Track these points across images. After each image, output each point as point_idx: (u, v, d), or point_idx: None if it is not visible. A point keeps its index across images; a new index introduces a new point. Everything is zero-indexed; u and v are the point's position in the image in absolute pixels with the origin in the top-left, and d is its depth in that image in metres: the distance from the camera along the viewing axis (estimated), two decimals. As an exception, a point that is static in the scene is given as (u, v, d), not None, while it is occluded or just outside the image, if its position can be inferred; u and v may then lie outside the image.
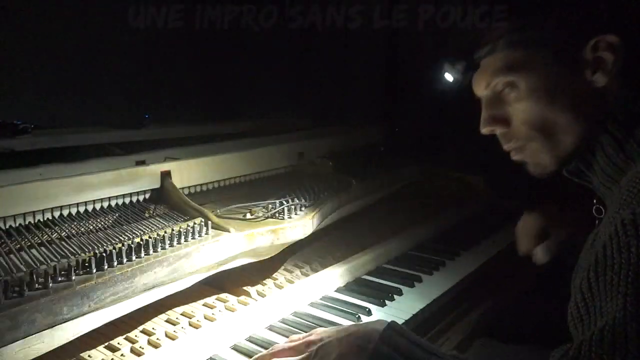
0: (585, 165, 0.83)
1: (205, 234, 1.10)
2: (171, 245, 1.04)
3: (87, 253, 0.95)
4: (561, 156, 0.83)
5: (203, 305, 1.15)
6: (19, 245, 0.99)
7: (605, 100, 0.78)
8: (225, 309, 1.13)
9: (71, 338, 0.87)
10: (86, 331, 0.89)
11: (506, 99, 0.87)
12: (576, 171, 0.85)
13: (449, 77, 0.97)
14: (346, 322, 1.12)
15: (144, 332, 1.03)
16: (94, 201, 1.20)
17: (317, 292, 1.27)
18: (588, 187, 0.88)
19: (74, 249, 0.98)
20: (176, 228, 1.08)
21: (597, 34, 0.76)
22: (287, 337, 1.02)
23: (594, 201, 0.92)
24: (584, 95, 0.79)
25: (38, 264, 0.90)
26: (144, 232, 1.09)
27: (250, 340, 1.07)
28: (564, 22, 0.80)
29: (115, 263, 0.94)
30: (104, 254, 0.93)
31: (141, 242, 0.99)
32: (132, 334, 1.02)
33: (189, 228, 1.09)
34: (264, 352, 0.94)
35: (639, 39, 0.77)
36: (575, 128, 0.80)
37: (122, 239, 1.03)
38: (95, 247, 0.99)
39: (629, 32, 0.76)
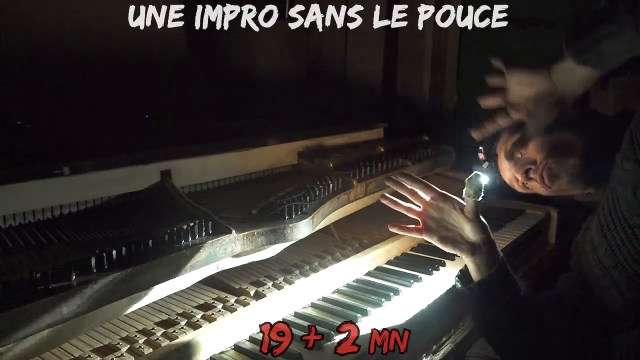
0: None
1: (206, 234, 1.10)
2: (171, 245, 1.03)
3: (87, 253, 0.95)
4: (579, 155, 1.23)
5: (203, 305, 1.15)
6: (19, 245, 0.99)
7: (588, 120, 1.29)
8: (225, 309, 1.13)
9: (71, 338, 0.87)
10: (86, 331, 0.89)
11: (522, 154, 1.28)
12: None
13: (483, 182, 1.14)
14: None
15: (143, 332, 1.03)
16: (94, 200, 1.19)
17: (317, 293, 1.27)
18: None
19: (74, 249, 0.98)
20: (176, 228, 1.08)
21: None
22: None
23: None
24: (570, 123, 1.23)
25: (38, 264, 0.90)
26: (144, 232, 1.08)
27: (251, 340, 1.07)
28: None
29: (116, 263, 0.94)
30: (104, 254, 0.93)
31: (141, 242, 0.99)
32: (131, 334, 1.02)
33: (189, 228, 1.09)
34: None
35: None
36: (578, 138, 1.23)
37: (122, 239, 1.03)
38: (95, 247, 0.98)
39: None
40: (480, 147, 1.35)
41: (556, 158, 1.23)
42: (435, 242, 1.18)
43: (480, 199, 1.11)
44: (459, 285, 1.19)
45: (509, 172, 1.33)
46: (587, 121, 1.30)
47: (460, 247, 1.15)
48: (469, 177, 1.11)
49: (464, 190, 1.12)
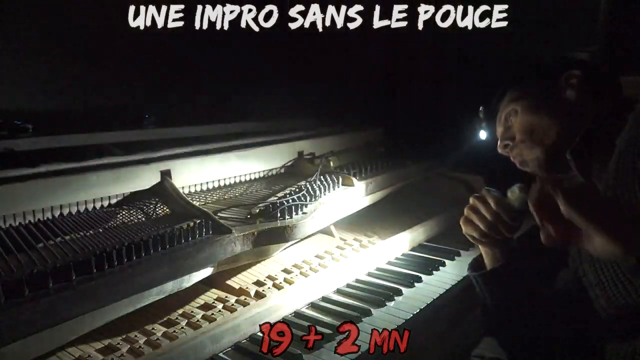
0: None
1: (206, 234, 1.10)
2: (171, 245, 1.04)
3: (87, 253, 0.95)
4: (545, 146, 1.16)
5: (203, 305, 1.15)
6: (19, 245, 0.99)
7: (580, 110, 1.15)
8: (225, 309, 1.13)
9: (71, 338, 0.87)
10: (86, 331, 0.89)
11: (511, 125, 1.23)
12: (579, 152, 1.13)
13: (482, 134, 1.27)
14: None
15: (143, 332, 1.03)
16: (94, 200, 1.19)
17: (317, 293, 1.27)
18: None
19: (74, 249, 0.98)
20: (176, 228, 1.08)
21: (567, 70, 1.16)
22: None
23: None
24: (561, 108, 1.17)
25: (38, 264, 0.90)
26: (144, 232, 1.08)
27: (251, 340, 1.07)
28: (547, 69, 1.23)
29: (116, 263, 0.94)
30: (104, 254, 0.93)
31: (141, 242, 0.99)
32: (131, 334, 1.02)
33: (189, 228, 1.09)
34: None
35: (594, 71, 1.18)
36: (555, 129, 1.15)
37: (122, 239, 1.03)
38: (95, 247, 0.98)
39: (588, 68, 1.17)
40: (481, 108, 1.32)
41: (528, 143, 1.20)
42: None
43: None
44: (471, 272, 1.22)
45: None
46: (574, 112, 1.19)
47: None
48: (512, 189, 1.17)
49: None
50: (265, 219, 1.24)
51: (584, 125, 1.13)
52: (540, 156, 1.17)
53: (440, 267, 1.48)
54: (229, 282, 1.25)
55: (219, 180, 1.47)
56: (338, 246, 1.52)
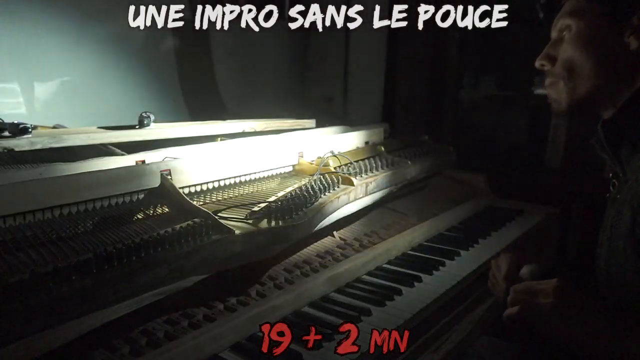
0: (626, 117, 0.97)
1: (205, 233, 1.10)
2: (171, 245, 1.04)
3: (87, 253, 0.95)
4: (574, 98, 1.01)
5: (203, 305, 1.15)
6: (19, 245, 0.99)
7: (633, 70, 0.95)
8: (225, 308, 1.13)
9: (71, 338, 0.87)
10: (86, 331, 0.89)
11: (562, 38, 1.03)
12: (613, 124, 0.99)
13: (540, 14, 1.14)
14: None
15: (143, 332, 1.03)
16: (94, 200, 1.19)
17: (317, 292, 1.27)
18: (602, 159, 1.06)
19: (74, 249, 0.98)
20: (176, 228, 1.08)
21: None
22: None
23: (610, 175, 1.07)
24: (614, 53, 0.96)
25: (38, 264, 0.90)
26: (144, 232, 1.09)
27: (251, 340, 1.07)
28: None
29: (116, 263, 0.94)
30: (104, 254, 0.93)
31: (141, 242, 0.99)
32: (132, 334, 1.02)
33: (189, 228, 1.09)
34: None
35: None
36: (595, 78, 0.98)
37: (122, 239, 1.03)
38: (95, 247, 0.98)
39: None
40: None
41: (561, 84, 1.03)
42: None
43: None
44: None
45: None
46: (625, 70, 0.99)
47: None
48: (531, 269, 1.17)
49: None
50: (266, 219, 1.24)
51: (626, 92, 0.97)
52: (563, 104, 1.04)
53: (440, 267, 1.48)
54: (229, 282, 1.25)
55: (219, 181, 1.47)
56: (338, 246, 1.52)
